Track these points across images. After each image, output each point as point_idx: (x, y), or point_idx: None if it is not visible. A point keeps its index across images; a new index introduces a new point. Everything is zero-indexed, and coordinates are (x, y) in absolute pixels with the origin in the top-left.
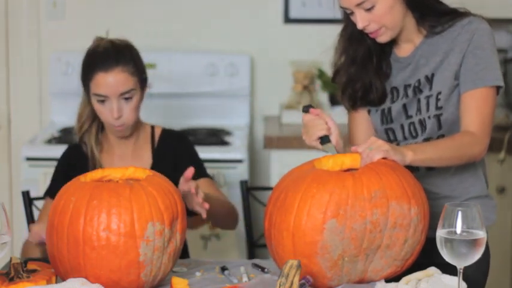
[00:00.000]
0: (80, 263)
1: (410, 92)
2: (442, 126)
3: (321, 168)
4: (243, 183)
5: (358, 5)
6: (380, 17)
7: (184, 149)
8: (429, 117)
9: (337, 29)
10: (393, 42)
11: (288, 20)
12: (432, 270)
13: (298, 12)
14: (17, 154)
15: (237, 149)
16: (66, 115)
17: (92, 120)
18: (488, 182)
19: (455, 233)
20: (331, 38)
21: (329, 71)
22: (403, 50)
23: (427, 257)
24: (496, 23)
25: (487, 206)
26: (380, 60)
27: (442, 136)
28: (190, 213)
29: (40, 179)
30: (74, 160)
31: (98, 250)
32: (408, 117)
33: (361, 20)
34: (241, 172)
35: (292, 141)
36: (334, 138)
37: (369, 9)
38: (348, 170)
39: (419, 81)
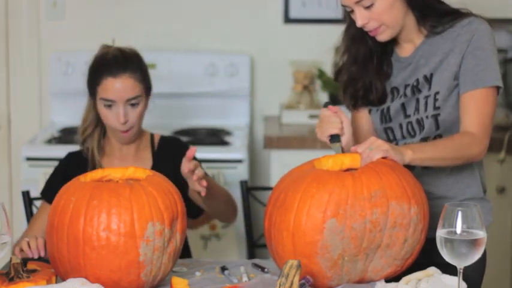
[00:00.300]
0: (80, 263)
1: (408, 91)
2: (439, 126)
3: (321, 168)
4: (243, 183)
5: (358, 2)
6: (379, 15)
7: (182, 151)
8: (427, 117)
9: (337, 28)
10: (395, 42)
11: (288, 20)
12: (432, 270)
13: (298, 12)
14: (17, 154)
15: (237, 149)
16: (66, 115)
17: (95, 125)
18: (488, 182)
19: (455, 233)
20: (331, 38)
21: (329, 71)
22: (404, 50)
23: (427, 257)
24: (496, 23)
25: (484, 207)
26: (381, 61)
27: (440, 136)
28: (193, 215)
29: (40, 179)
30: (74, 166)
31: (98, 250)
32: (406, 116)
33: (360, 18)
34: (241, 172)
35: (292, 141)
36: (345, 139)
37: (368, 7)
38: (348, 169)
39: (417, 80)
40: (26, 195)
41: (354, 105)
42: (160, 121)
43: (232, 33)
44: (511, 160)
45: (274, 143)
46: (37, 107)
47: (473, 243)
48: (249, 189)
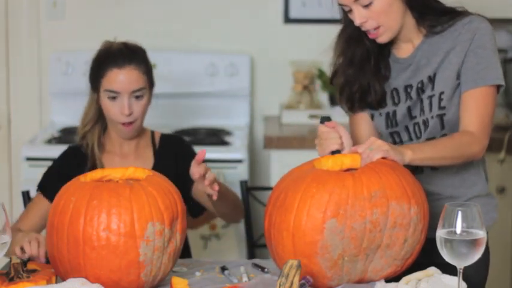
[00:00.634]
0: (80, 263)
1: (413, 93)
2: (445, 126)
3: (321, 168)
4: (243, 183)
5: (356, 1)
6: (378, 14)
7: (184, 150)
8: (432, 117)
9: (337, 29)
10: (392, 43)
11: (288, 20)
12: (432, 270)
13: (298, 12)
14: (17, 154)
15: (237, 149)
16: (66, 115)
17: (96, 121)
18: (489, 182)
19: (455, 233)
20: (331, 38)
21: (329, 71)
22: (402, 51)
23: (427, 257)
24: (496, 23)
25: (489, 204)
26: (378, 62)
27: (445, 136)
28: (193, 213)
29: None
30: (73, 159)
31: (98, 250)
32: (412, 118)
33: (358, 17)
34: (241, 172)
35: (292, 141)
36: (345, 153)
37: (366, 6)
38: (348, 170)
39: (422, 82)
40: (26, 195)
41: (351, 108)
42: (160, 121)
43: (232, 33)
44: (511, 160)
45: (274, 143)
46: (37, 107)
47: (473, 243)
48: (249, 189)
